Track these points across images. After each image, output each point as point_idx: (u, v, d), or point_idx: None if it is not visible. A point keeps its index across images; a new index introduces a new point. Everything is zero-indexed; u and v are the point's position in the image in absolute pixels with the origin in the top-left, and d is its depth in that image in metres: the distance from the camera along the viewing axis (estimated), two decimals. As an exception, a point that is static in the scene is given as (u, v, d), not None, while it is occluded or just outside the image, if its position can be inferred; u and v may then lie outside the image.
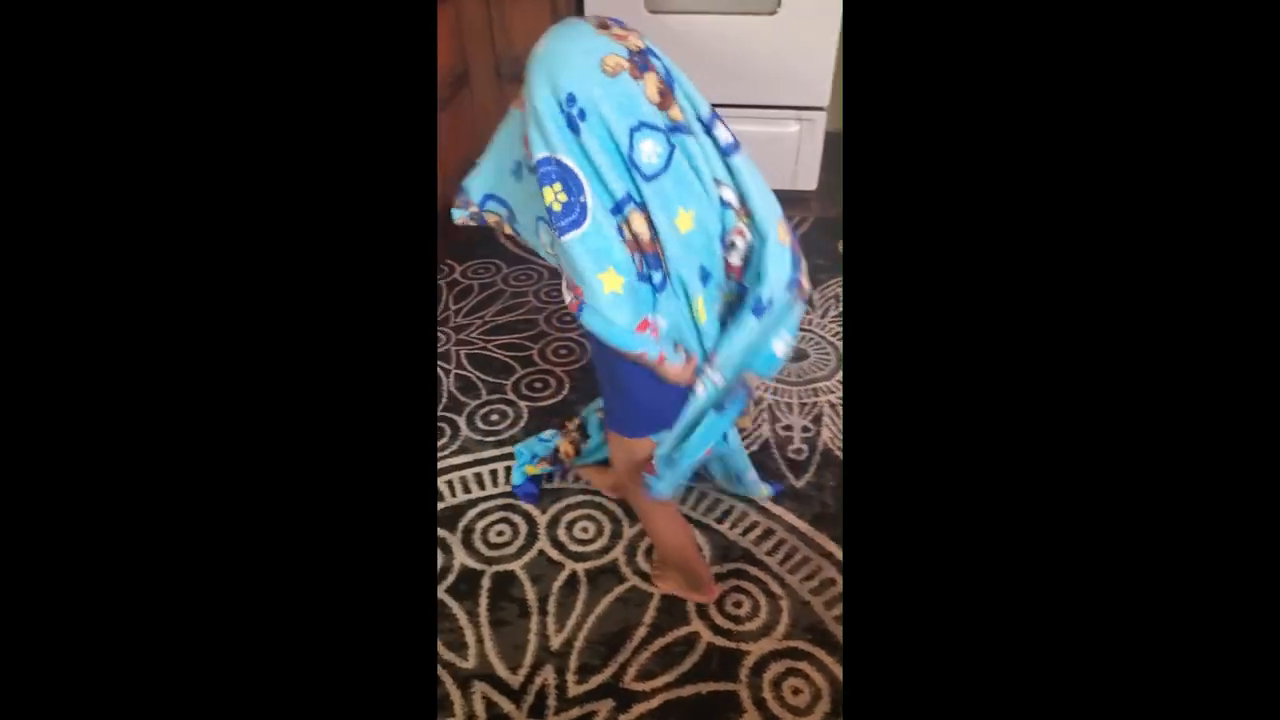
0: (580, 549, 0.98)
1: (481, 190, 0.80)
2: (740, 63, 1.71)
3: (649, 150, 0.64)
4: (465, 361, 1.34)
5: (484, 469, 1.11)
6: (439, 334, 1.41)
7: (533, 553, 0.98)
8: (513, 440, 1.15)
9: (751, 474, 0.97)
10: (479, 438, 1.17)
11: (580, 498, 1.05)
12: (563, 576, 0.94)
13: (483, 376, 1.30)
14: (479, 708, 0.81)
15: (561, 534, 1.00)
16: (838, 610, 0.89)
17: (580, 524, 1.01)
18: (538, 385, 1.27)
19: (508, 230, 0.80)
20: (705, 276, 0.69)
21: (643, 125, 0.64)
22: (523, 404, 1.23)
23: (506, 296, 1.52)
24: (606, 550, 0.98)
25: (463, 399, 1.25)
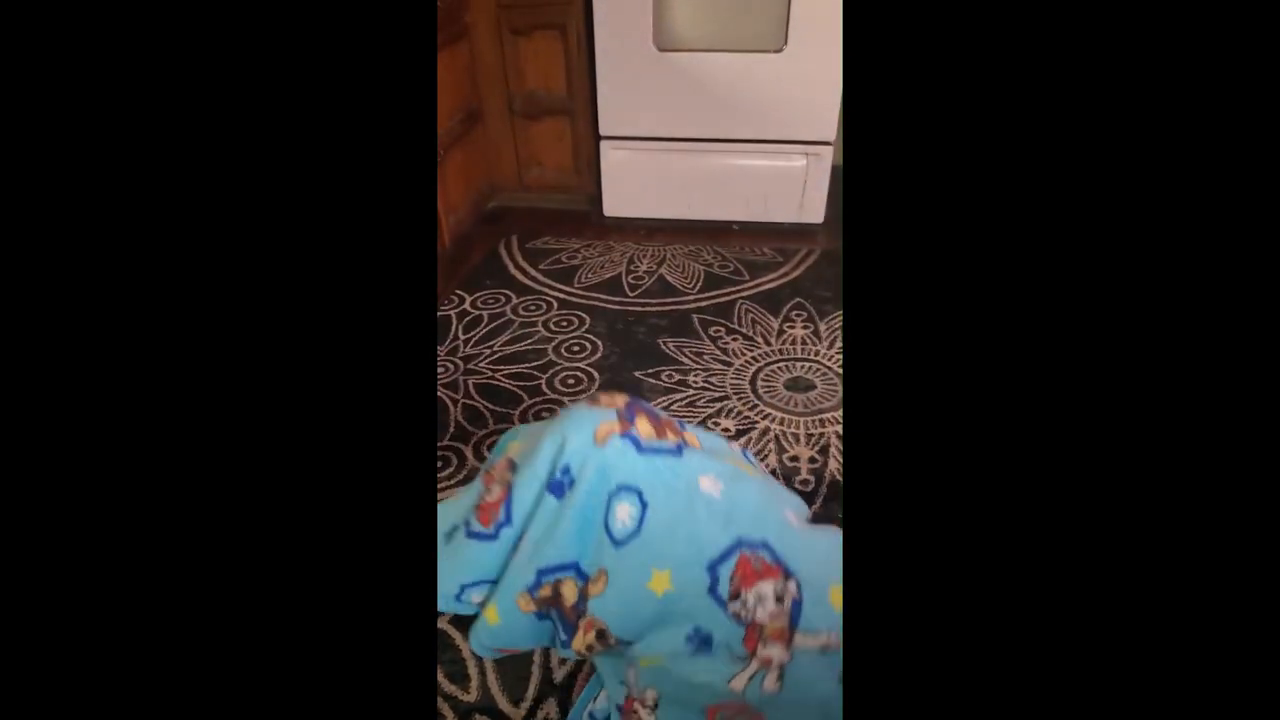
0: (585, 579, 0.97)
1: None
2: (748, 99, 1.75)
3: (623, 514, 0.63)
4: (473, 391, 1.35)
5: (490, 498, 1.11)
6: (448, 363, 1.43)
7: (537, 582, 0.97)
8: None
9: None
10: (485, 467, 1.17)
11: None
12: (567, 607, 0.94)
13: (490, 406, 1.31)
14: (480, 740, 0.80)
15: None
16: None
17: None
18: (545, 415, 1.28)
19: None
20: (704, 640, 0.60)
21: (620, 489, 0.63)
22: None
23: (515, 326, 1.53)
24: (611, 581, 0.97)
25: (470, 428, 1.25)
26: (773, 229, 1.89)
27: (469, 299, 1.64)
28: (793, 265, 1.72)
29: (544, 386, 1.34)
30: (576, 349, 1.45)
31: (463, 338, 1.51)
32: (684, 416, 1.26)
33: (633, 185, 1.90)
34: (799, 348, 1.43)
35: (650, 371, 1.37)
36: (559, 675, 0.85)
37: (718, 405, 1.28)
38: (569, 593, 0.69)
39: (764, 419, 1.24)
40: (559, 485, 0.67)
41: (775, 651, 0.59)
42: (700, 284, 1.66)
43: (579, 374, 1.37)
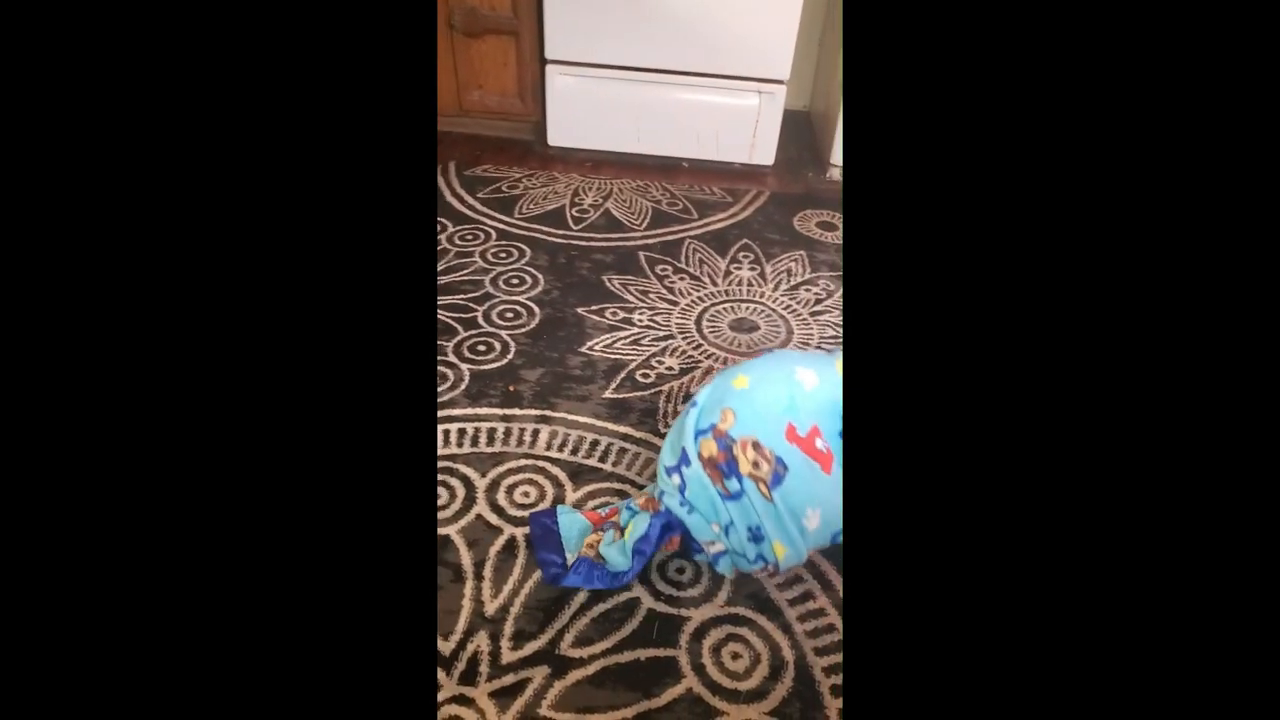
0: (520, 514, 0.94)
1: None
2: (702, 31, 1.67)
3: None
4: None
5: (421, 430, 1.06)
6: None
7: (470, 517, 0.94)
8: (452, 403, 1.11)
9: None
10: (417, 399, 1.12)
11: (522, 461, 1.02)
12: (500, 541, 0.91)
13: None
14: (407, 674, 0.77)
15: (501, 498, 0.96)
16: (779, 577, 0.88)
17: (521, 488, 0.98)
18: (481, 348, 1.22)
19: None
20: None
21: None
22: (464, 366, 1.18)
23: (451, 256, 1.46)
24: (547, 515, 0.94)
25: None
26: (723, 169, 1.85)
27: (402, 226, 1.54)
28: (741, 206, 1.69)
29: (480, 319, 1.29)
30: (515, 281, 1.39)
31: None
32: (626, 355, 1.23)
33: (580, 114, 1.81)
34: (745, 289, 1.41)
35: (594, 308, 1.33)
36: (490, 609, 0.83)
37: (662, 344, 1.25)
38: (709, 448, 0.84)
39: (708, 359, 1.23)
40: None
41: None
42: (648, 221, 1.61)
43: (518, 308, 1.32)
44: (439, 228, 1.54)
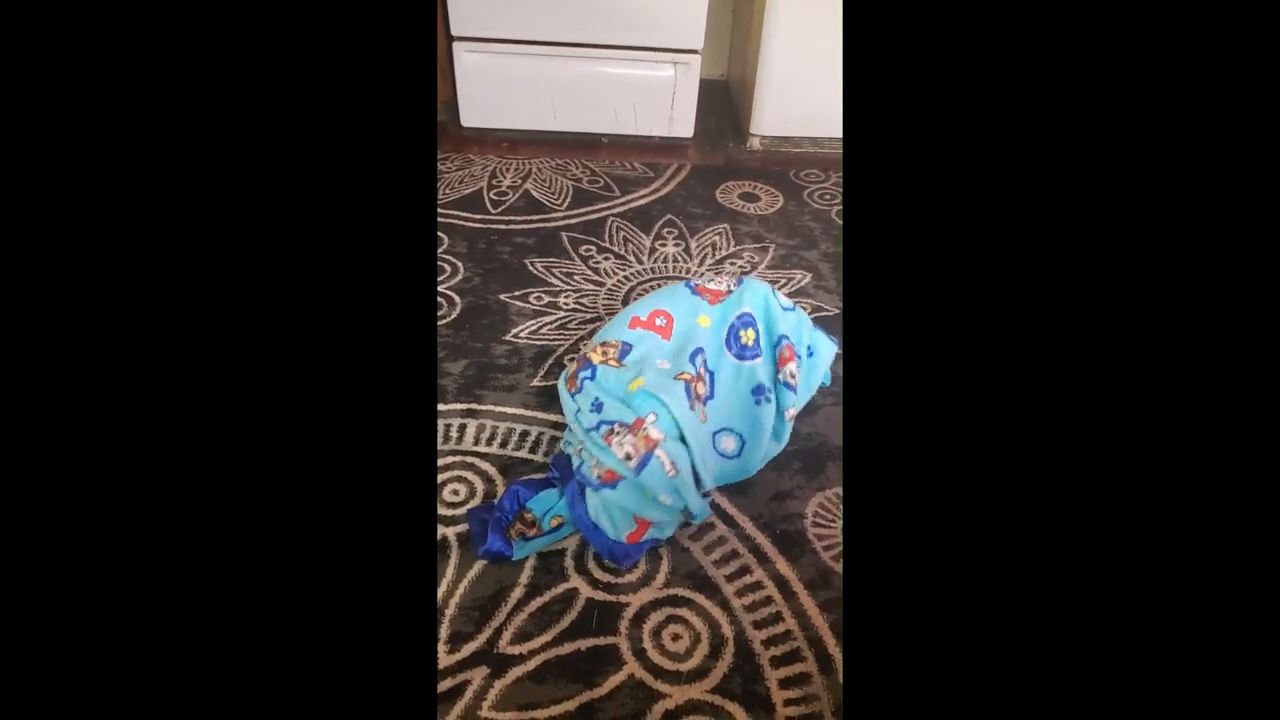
0: (451, 512, 0.92)
1: None
2: (612, 2, 1.63)
3: None
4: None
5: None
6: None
7: (398, 520, 0.91)
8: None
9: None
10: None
11: (449, 459, 0.99)
12: (431, 543, 0.88)
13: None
14: (339, 690, 0.74)
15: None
16: (715, 555, 0.89)
17: (451, 486, 0.95)
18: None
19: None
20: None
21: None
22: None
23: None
24: (479, 512, 0.92)
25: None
26: (643, 143, 1.82)
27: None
28: (663, 181, 1.67)
29: (400, 312, 1.24)
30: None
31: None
32: (553, 340, 1.20)
33: (492, 93, 1.75)
34: (671, 265, 1.40)
35: (517, 294, 1.30)
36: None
37: (590, 327, 1.23)
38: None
39: (636, 338, 1.21)
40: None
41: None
42: (569, 200, 1.58)
43: (439, 299, 1.27)
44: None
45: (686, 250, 1.44)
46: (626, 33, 1.67)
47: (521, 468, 0.98)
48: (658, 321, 1.02)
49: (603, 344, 0.99)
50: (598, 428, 0.89)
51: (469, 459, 0.99)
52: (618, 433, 0.88)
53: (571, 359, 1.01)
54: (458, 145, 1.77)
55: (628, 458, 0.85)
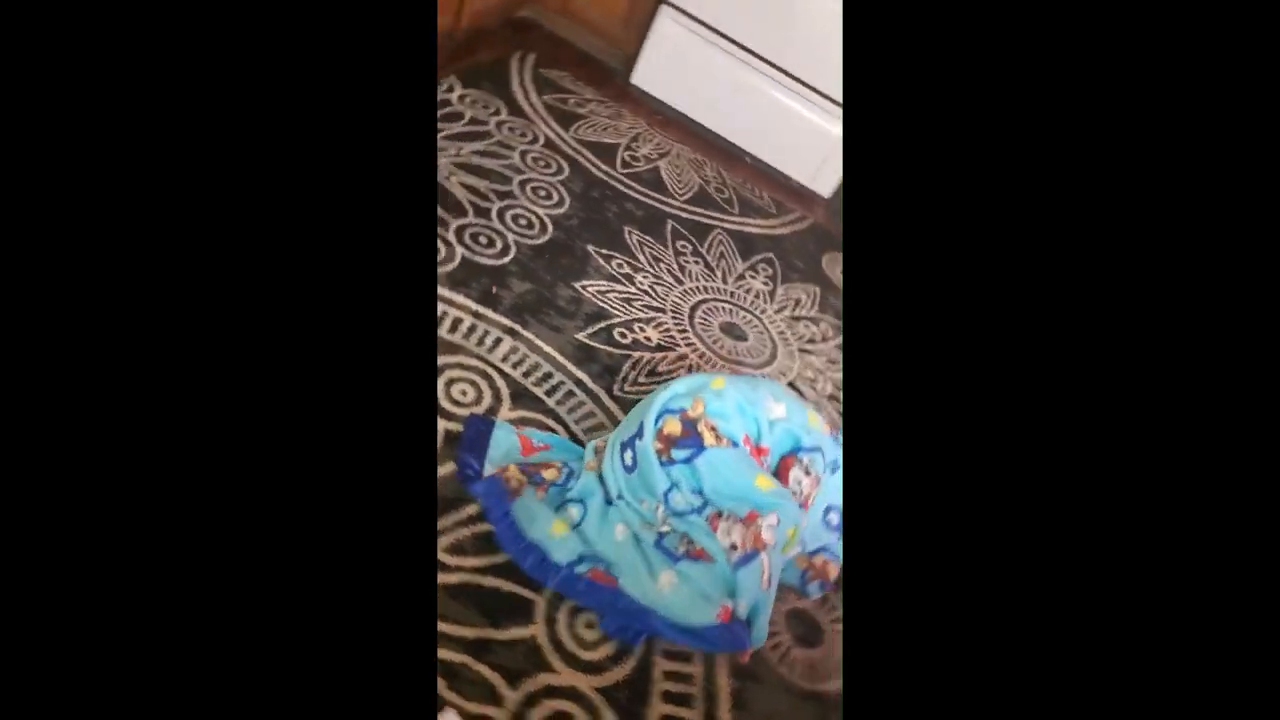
0: (452, 409, 0.93)
1: None
2: (826, 45, 1.63)
3: None
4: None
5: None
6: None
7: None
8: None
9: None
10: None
11: (475, 361, 1.00)
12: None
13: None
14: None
15: (439, 386, 0.95)
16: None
17: (460, 385, 0.96)
18: (483, 240, 1.19)
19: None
20: None
21: None
22: (460, 250, 1.15)
23: (492, 141, 1.41)
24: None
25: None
26: (781, 180, 1.82)
27: (459, 91, 1.49)
28: (782, 222, 1.67)
29: (494, 213, 1.25)
30: (543, 193, 1.36)
31: (439, 126, 1.38)
32: (615, 308, 1.21)
33: (673, 66, 1.77)
34: (750, 299, 1.40)
35: (604, 252, 1.31)
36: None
37: (651, 314, 1.24)
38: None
39: (687, 346, 1.22)
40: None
41: None
42: (691, 195, 1.59)
43: (533, 218, 1.29)
44: (494, 109, 1.50)
45: (771, 293, 1.44)
46: (819, 77, 1.67)
47: (531, 402, 0.99)
48: (764, 461, 0.90)
49: (715, 431, 0.86)
50: (702, 510, 0.85)
51: (491, 371, 1.00)
52: (726, 518, 0.83)
53: (669, 416, 0.87)
54: (617, 95, 1.79)
55: (733, 548, 0.82)
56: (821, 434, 0.92)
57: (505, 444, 0.90)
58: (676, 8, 1.69)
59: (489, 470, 0.86)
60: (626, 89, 1.82)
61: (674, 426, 0.86)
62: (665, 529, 0.85)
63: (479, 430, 0.89)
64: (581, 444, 0.96)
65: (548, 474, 0.88)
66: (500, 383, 0.99)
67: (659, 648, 0.81)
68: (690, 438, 0.85)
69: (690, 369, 1.18)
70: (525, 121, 1.52)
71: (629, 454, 0.87)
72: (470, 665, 0.72)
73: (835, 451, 0.92)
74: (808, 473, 0.89)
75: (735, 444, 0.86)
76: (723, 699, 0.79)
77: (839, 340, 1.42)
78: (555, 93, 1.66)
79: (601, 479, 0.87)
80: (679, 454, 0.85)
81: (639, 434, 0.86)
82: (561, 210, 1.34)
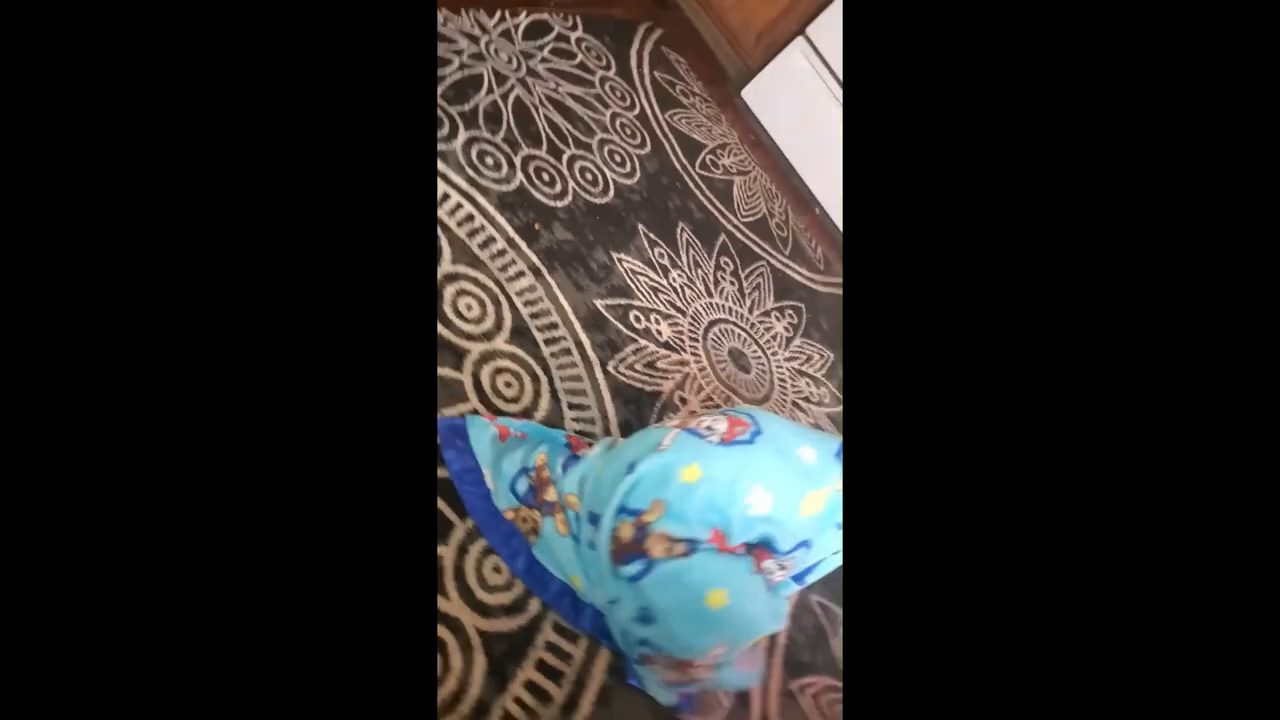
0: (461, 324, 0.92)
1: None
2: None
3: None
4: (508, 101, 1.24)
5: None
6: (514, 56, 1.30)
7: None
8: (483, 189, 1.07)
9: None
10: (462, 160, 1.09)
11: (488, 281, 0.99)
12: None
13: (514, 123, 1.20)
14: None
15: (448, 299, 0.94)
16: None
17: (466, 300, 0.96)
18: (545, 177, 1.19)
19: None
20: None
21: None
22: (520, 176, 1.15)
23: (588, 87, 1.41)
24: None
25: (471, 95, 1.15)
26: (838, 240, 1.82)
27: (580, 34, 1.49)
28: (824, 281, 1.67)
29: (566, 158, 1.25)
30: (618, 159, 1.36)
31: (538, 53, 1.38)
32: (637, 292, 1.20)
33: (785, 94, 1.77)
34: (765, 337, 1.40)
35: (651, 237, 1.30)
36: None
37: (669, 311, 1.23)
38: None
39: (692, 355, 1.21)
40: None
41: None
42: (752, 219, 1.59)
43: (601, 177, 1.29)
44: (601, 61, 1.50)
45: (789, 340, 1.44)
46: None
47: (525, 341, 0.99)
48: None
49: (668, 538, 0.78)
50: (642, 644, 0.79)
51: (501, 296, 1.00)
52: (659, 661, 0.80)
53: (624, 519, 0.79)
54: (722, 101, 1.79)
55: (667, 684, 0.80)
56: (815, 518, 0.80)
57: (485, 438, 0.85)
58: (812, 44, 1.69)
59: (487, 473, 0.83)
60: (733, 98, 1.82)
61: (626, 532, 0.78)
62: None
63: (453, 427, 0.84)
64: (560, 425, 0.95)
65: (548, 494, 0.83)
66: (506, 312, 0.99)
67: (553, 620, 0.80)
68: (638, 553, 0.77)
69: (686, 380, 1.18)
70: (628, 87, 1.52)
71: (590, 530, 0.80)
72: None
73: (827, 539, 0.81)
74: (782, 567, 0.81)
75: (694, 546, 0.77)
76: (591, 688, 0.79)
77: (836, 409, 1.42)
78: (666, 73, 1.67)
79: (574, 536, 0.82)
80: (626, 570, 0.77)
81: (596, 520, 0.80)
82: (629, 181, 1.34)
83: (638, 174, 1.38)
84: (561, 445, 0.88)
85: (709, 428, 0.80)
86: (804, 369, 1.42)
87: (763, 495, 0.77)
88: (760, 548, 0.80)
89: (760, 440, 0.79)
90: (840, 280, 1.72)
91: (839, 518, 0.79)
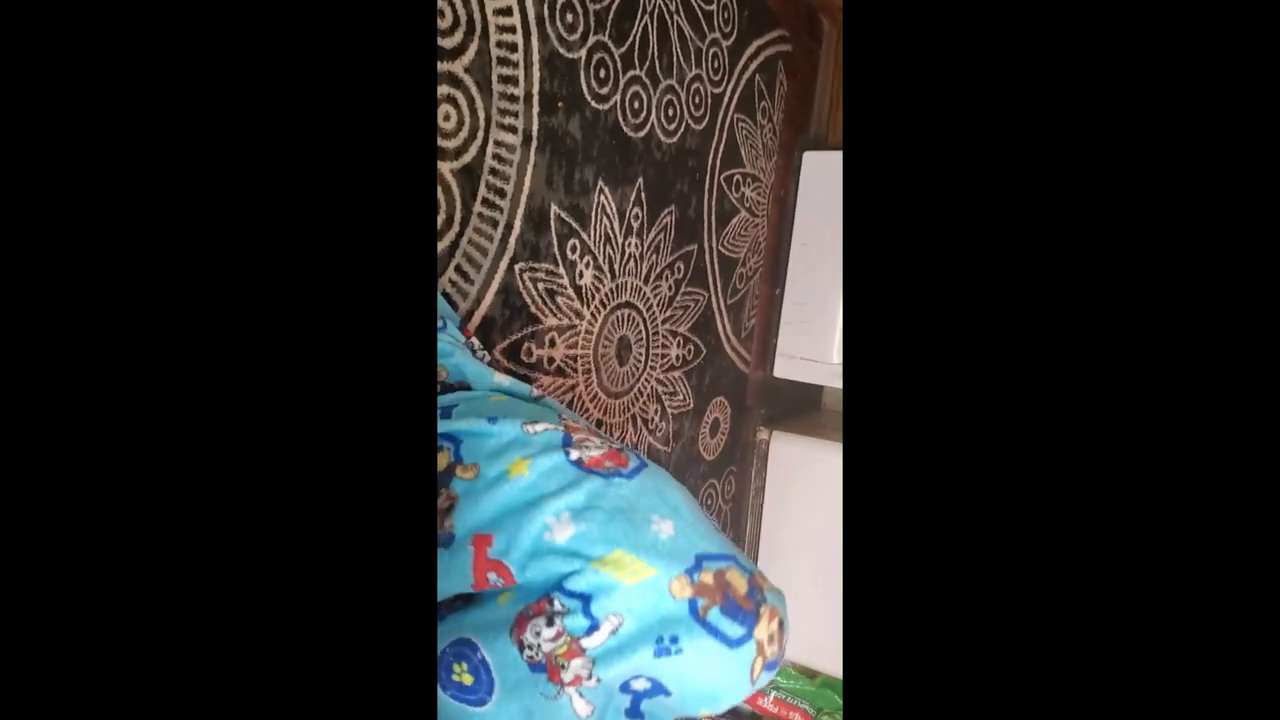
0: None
1: None
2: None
3: None
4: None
5: None
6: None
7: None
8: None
9: None
10: None
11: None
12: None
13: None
14: None
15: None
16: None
17: (445, 107, 0.89)
18: (602, 73, 1.13)
19: None
20: None
21: None
22: (582, 65, 1.08)
23: (689, 52, 1.36)
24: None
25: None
26: (772, 332, 1.87)
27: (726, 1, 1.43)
28: (736, 343, 1.71)
29: (627, 78, 1.20)
30: (671, 112, 1.32)
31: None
32: (589, 232, 1.17)
33: (831, 187, 1.79)
34: (657, 350, 1.41)
35: (641, 196, 1.27)
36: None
37: (603, 265, 1.21)
38: None
39: (590, 314, 1.20)
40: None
41: None
42: (724, 254, 1.59)
43: (647, 111, 1.24)
44: (728, 24, 1.44)
45: (671, 369, 1.45)
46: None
47: (469, 188, 0.93)
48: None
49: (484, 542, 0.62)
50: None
51: (481, 130, 0.93)
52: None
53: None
54: (785, 144, 1.78)
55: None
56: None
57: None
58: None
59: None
60: (794, 150, 1.82)
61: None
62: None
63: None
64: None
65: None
66: (475, 148, 0.93)
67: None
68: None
69: (570, 329, 1.16)
70: (727, 66, 1.48)
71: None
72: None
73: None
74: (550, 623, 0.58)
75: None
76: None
77: (655, 442, 1.45)
78: (765, 83, 1.64)
79: None
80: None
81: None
82: (665, 137, 1.31)
83: (676, 137, 1.34)
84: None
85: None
86: (665, 397, 1.45)
87: (565, 528, 0.62)
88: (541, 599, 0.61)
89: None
90: (746, 359, 1.76)
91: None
